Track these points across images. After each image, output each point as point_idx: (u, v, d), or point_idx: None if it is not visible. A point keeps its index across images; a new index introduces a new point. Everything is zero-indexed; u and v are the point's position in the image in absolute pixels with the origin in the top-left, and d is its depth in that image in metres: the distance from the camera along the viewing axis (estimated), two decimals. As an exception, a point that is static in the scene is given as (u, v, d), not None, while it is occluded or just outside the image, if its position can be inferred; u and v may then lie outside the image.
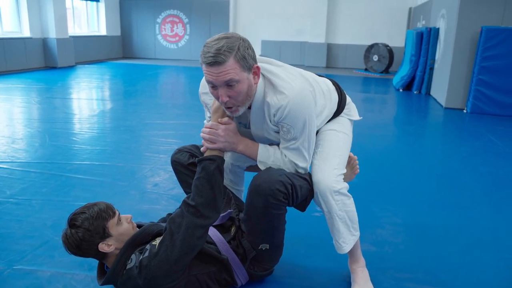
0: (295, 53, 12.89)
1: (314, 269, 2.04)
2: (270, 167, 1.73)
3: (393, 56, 11.21)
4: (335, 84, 1.95)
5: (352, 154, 2.08)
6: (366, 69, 11.71)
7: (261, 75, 1.64)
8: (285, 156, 1.73)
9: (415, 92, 8.05)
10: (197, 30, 13.44)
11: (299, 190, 1.68)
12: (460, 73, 6.38)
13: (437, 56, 7.54)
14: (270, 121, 1.67)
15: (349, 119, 1.99)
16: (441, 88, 6.92)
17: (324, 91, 1.83)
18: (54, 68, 10.27)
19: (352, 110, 2.01)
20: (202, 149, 1.73)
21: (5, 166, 3.32)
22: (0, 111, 5.51)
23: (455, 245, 2.35)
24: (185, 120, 5.23)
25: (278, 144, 1.79)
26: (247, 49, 1.51)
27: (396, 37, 12.16)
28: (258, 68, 1.58)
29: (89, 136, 4.35)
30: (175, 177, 3.13)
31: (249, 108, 1.70)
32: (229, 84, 1.50)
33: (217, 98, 1.57)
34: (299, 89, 1.61)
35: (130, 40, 13.88)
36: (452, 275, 2.04)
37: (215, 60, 1.46)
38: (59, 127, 4.67)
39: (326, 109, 1.84)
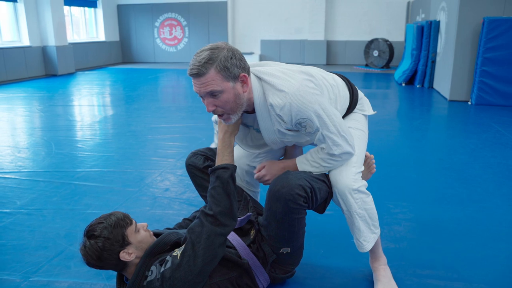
0: (294, 52, 12.86)
1: (334, 269, 2.02)
2: (288, 171, 1.71)
3: (393, 50, 11.21)
4: (345, 79, 1.92)
5: (368, 154, 2.05)
6: (366, 65, 11.70)
7: (256, 79, 1.64)
8: (320, 150, 1.71)
9: (417, 86, 8.02)
10: (196, 32, 13.42)
11: (318, 193, 1.66)
12: (463, 65, 6.35)
13: (438, 49, 7.51)
14: (281, 122, 1.64)
15: (363, 115, 1.96)
16: (444, 81, 6.89)
17: (331, 85, 1.80)
18: (54, 76, 10.25)
19: (365, 105, 1.98)
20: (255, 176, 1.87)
21: (13, 176, 3.30)
22: (3, 120, 5.49)
23: (471, 238, 2.33)
24: (190, 123, 5.20)
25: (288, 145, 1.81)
26: (231, 58, 1.52)
27: (395, 31, 12.13)
28: (245, 77, 1.57)
29: (95, 142, 4.33)
30: (185, 181, 3.10)
31: (254, 112, 1.69)
32: (213, 94, 1.54)
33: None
34: (298, 83, 1.60)
35: (129, 45, 13.86)
36: (470, 269, 2.02)
37: (196, 72, 1.51)
38: (63, 134, 4.65)
39: (338, 105, 1.82)
